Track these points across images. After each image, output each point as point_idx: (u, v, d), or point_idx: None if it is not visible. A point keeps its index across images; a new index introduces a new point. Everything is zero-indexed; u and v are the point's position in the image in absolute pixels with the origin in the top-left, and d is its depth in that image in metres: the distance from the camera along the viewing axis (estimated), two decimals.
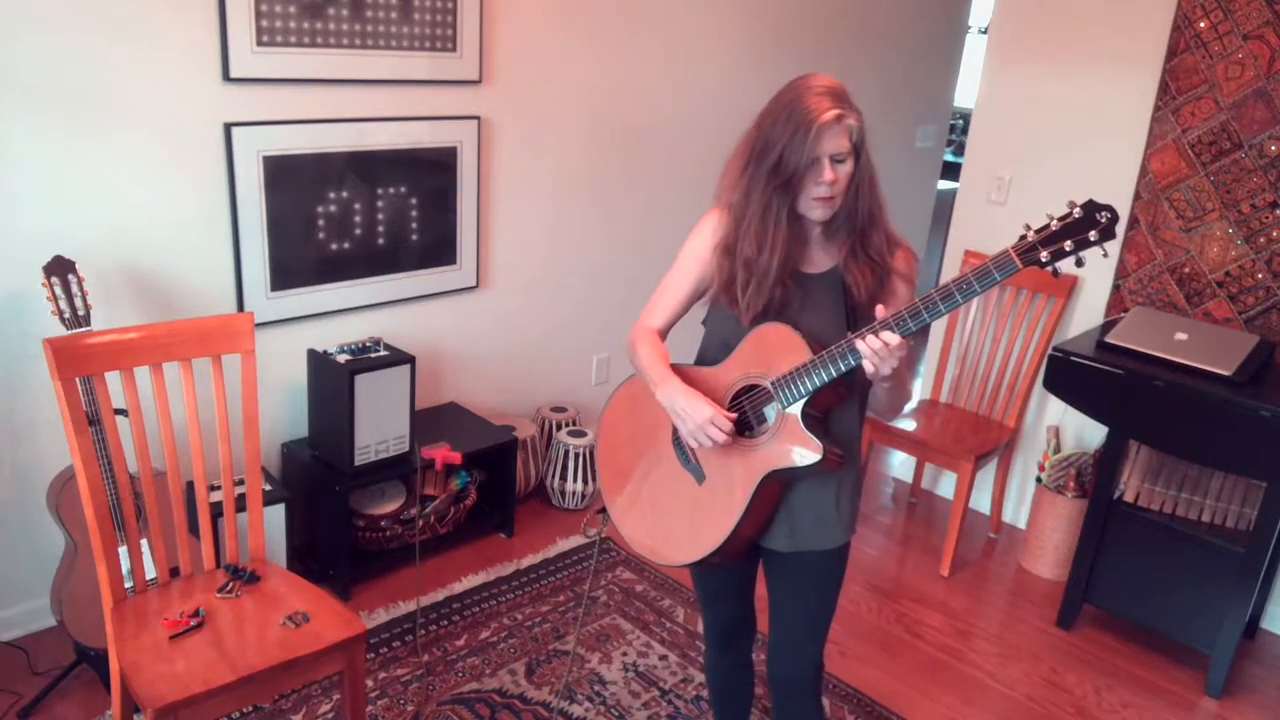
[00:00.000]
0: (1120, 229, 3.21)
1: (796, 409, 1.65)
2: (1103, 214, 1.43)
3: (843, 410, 1.75)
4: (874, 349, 1.53)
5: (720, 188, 1.73)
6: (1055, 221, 1.46)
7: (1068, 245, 1.44)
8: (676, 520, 1.82)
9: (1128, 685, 2.83)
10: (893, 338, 1.52)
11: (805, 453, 1.64)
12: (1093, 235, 1.43)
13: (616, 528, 1.91)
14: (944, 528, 3.61)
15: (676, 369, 1.79)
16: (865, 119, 1.61)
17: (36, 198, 2.39)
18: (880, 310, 1.58)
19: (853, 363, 1.58)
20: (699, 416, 1.66)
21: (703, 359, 1.83)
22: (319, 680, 2.47)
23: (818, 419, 1.69)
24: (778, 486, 1.74)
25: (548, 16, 3.27)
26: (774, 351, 1.68)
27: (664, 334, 1.86)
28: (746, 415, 1.73)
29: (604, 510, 1.96)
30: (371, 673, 2.59)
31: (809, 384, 1.62)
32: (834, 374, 1.60)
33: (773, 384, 1.67)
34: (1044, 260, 1.45)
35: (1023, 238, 1.48)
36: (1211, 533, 2.81)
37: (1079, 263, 1.47)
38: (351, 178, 2.90)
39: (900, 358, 1.55)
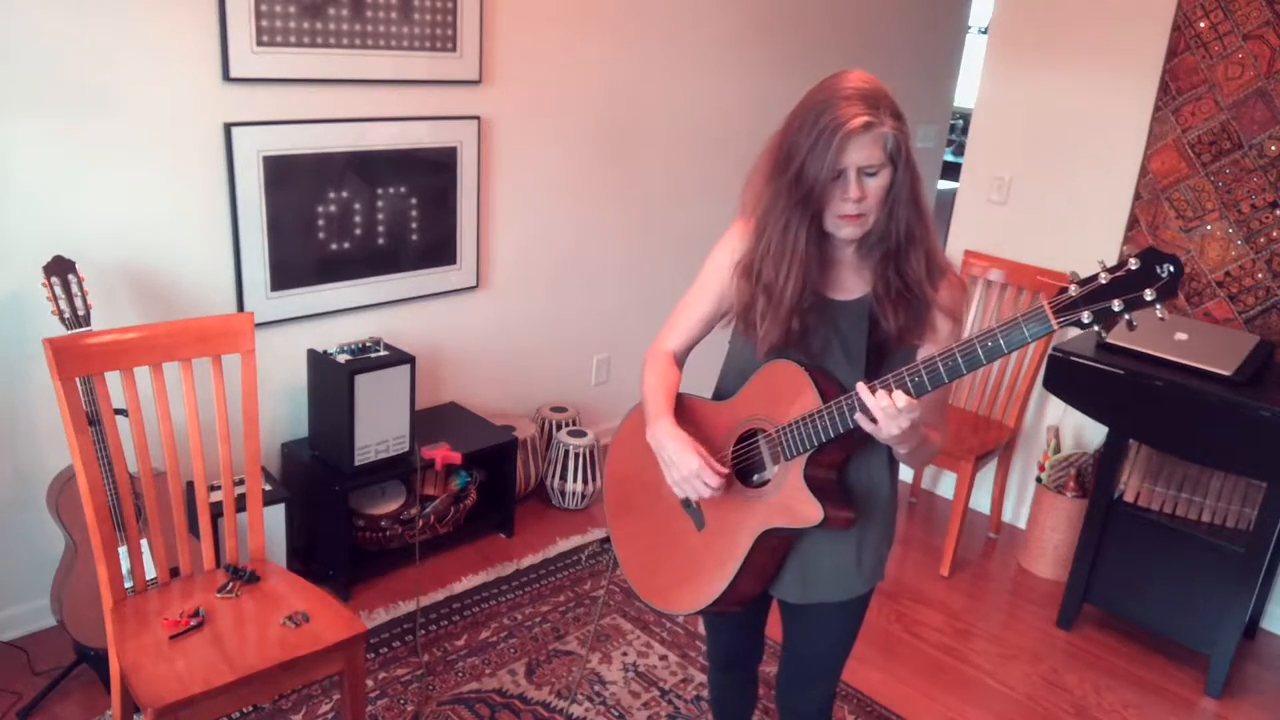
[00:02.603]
0: (1119, 230, 3.23)
1: (799, 464, 1.49)
2: (1164, 266, 1.17)
3: (866, 455, 1.57)
4: (874, 410, 1.35)
5: (744, 198, 1.54)
6: (1104, 274, 1.21)
7: (1116, 305, 1.20)
8: (672, 568, 1.68)
9: (1128, 685, 2.82)
10: (900, 399, 1.33)
11: (804, 514, 1.48)
12: (1149, 294, 1.18)
13: (618, 562, 1.81)
14: (944, 528, 3.61)
15: (684, 399, 1.64)
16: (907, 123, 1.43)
17: (36, 198, 2.39)
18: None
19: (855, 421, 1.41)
20: (685, 468, 1.51)
21: (720, 386, 1.69)
22: (319, 680, 2.47)
23: (826, 475, 1.53)
24: (782, 542, 1.58)
25: (548, 16, 3.27)
26: (782, 394, 1.51)
27: (681, 358, 1.70)
28: (759, 455, 1.57)
29: (609, 540, 1.88)
30: (371, 673, 2.59)
31: (812, 439, 1.46)
32: (841, 429, 1.42)
33: (778, 433, 1.51)
34: (1085, 321, 1.22)
35: (1063, 290, 1.23)
36: (1211, 533, 2.81)
37: (1130, 325, 1.22)
38: (351, 178, 2.90)
39: (912, 419, 1.35)
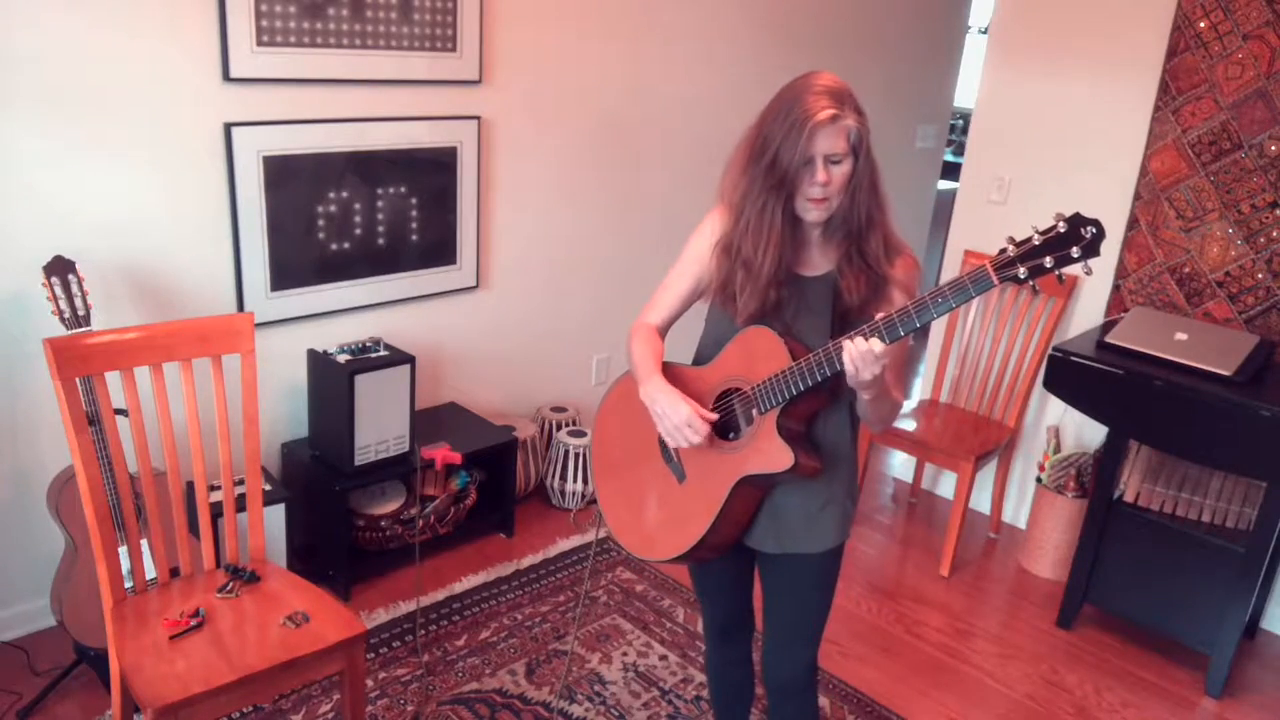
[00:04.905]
0: (1119, 230, 3.23)
1: (772, 416, 1.65)
2: (1088, 229, 1.36)
3: (830, 414, 1.74)
4: (852, 354, 1.51)
5: (722, 185, 1.71)
6: (1037, 235, 1.39)
7: (1048, 261, 1.39)
8: (656, 517, 1.83)
9: (1128, 685, 2.83)
10: (877, 345, 1.50)
11: (776, 460, 1.64)
12: (1075, 252, 1.37)
13: (604, 518, 1.93)
14: (944, 528, 3.61)
15: (667, 367, 1.78)
16: (869, 120, 1.59)
17: (37, 198, 2.39)
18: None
19: (828, 372, 1.57)
20: (676, 417, 1.66)
21: (699, 356, 1.83)
22: (319, 680, 2.47)
23: (796, 426, 1.68)
24: (756, 491, 1.73)
25: (548, 16, 3.27)
26: (757, 356, 1.67)
27: (663, 331, 1.86)
28: (734, 415, 1.72)
29: (595, 500, 1.98)
30: (371, 673, 2.59)
31: (785, 392, 1.62)
32: (811, 382, 1.59)
33: (753, 389, 1.67)
34: (1022, 276, 1.40)
35: (1002, 251, 1.42)
36: (1211, 533, 2.81)
37: (1060, 279, 1.42)
38: (351, 178, 2.90)
39: (883, 365, 1.52)
